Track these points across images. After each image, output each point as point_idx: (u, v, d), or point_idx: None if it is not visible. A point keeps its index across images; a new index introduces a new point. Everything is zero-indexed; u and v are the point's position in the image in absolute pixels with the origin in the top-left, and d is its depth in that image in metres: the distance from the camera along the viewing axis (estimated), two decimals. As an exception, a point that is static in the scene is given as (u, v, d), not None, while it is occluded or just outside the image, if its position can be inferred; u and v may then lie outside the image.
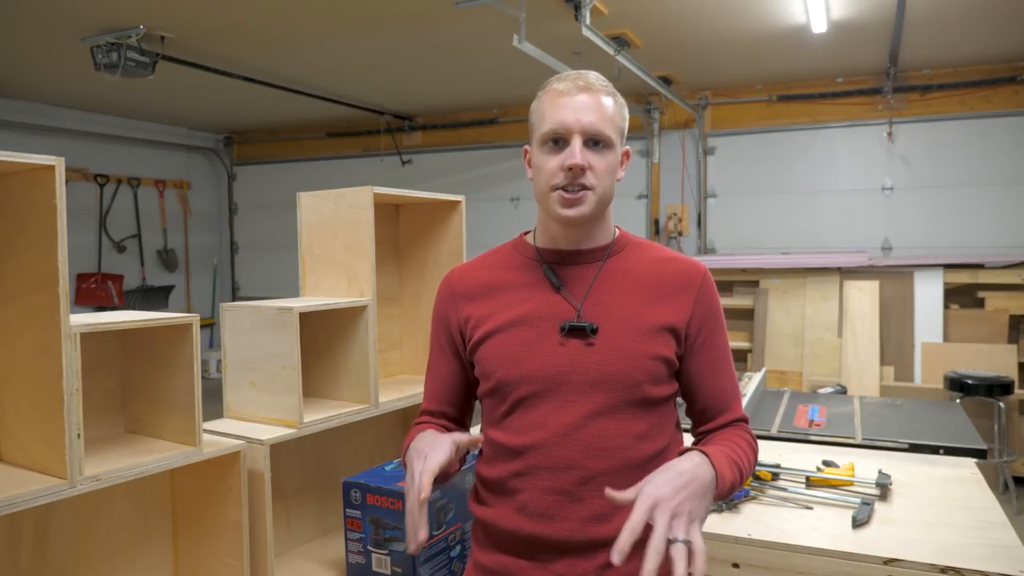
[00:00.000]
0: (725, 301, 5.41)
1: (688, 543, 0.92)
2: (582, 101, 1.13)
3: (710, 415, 1.23)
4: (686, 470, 1.00)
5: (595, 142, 1.13)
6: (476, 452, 1.31)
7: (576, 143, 1.11)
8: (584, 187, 1.13)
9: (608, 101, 1.15)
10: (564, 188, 1.13)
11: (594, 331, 1.14)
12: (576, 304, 1.16)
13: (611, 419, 1.12)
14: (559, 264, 1.21)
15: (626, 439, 1.12)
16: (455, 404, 1.31)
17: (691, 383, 1.21)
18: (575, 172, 1.11)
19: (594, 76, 1.17)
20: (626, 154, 1.22)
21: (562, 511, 1.12)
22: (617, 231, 1.26)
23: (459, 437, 1.13)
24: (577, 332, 1.14)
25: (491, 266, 1.27)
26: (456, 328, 1.25)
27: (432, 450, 1.09)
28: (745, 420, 1.25)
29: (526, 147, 1.22)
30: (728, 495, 1.10)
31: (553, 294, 1.18)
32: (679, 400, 1.27)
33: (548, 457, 1.12)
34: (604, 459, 1.12)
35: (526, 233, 1.30)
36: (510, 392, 1.16)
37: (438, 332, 1.29)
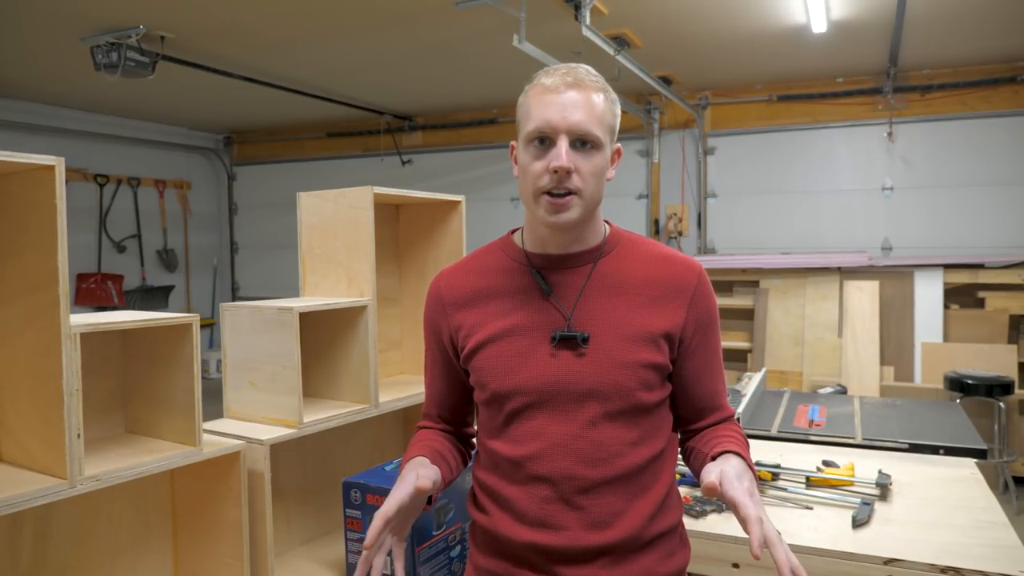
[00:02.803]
0: (725, 301, 5.41)
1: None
2: (570, 99, 1.07)
3: (702, 415, 1.22)
4: (750, 478, 1.04)
5: (582, 143, 1.08)
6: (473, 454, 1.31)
7: (562, 144, 1.07)
8: (570, 191, 1.08)
9: (598, 98, 1.10)
10: (550, 192, 1.09)
11: (585, 340, 1.11)
12: (566, 312, 1.14)
13: (606, 428, 1.11)
14: (549, 269, 1.17)
15: (622, 446, 1.11)
16: (453, 407, 1.31)
17: (684, 385, 1.19)
18: (561, 175, 1.07)
19: (584, 71, 1.12)
20: (617, 152, 1.17)
21: (561, 520, 1.11)
22: (608, 228, 1.22)
23: (422, 480, 1.10)
24: (568, 342, 1.12)
25: (479, 270, 1.23)
26: (447, 336, 1.23)
27: (396, 487, 1.12)
28: (732, 416, 1.25)
29: (512, 143, 1.17)
30: None
31: (543, 301, 1.15)
32: None
33: (546, 468, 1.11)
34: (602, 468, 1.11)
35: (513, 231, 1.26)
36: (505, 403, 1.14)
37: (430, 339, 1.28)
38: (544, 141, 1.09)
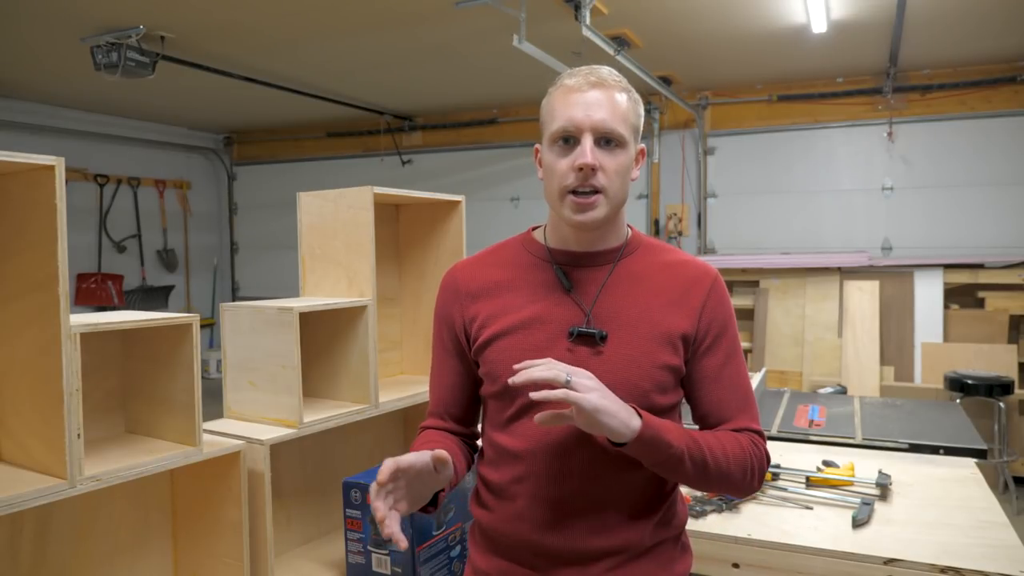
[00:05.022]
0: (725, 301, 5.41)
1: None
2: (594, 97, 1.08)
3: (710, 423, 1.17)
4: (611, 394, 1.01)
5: (607, 141, 1.09)
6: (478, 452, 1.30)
7: (587, 142, 1.07)
8: (595, 189, 1.08)
9: (622, 97, 1.11)
10: (575, 191, 1.09)
11: (603, 339, 1.10)
12: (586, 308, 1.13)
13: None
14: (570, 265, 1.17)
15: None
16: (460, 404, 1.26)
17: (692, 388, 1.17)
18: (586, 172, 1.07)
19: (607, 71, 1.12)
20: (642, 152, 1.17)
21: (561, 520, 1.10)
22: (630, 231, 1.22)
23: (439, 452, 1.04)
24: (586, 338, 1.11)
25: (498, 263, 1.22)
26: (460, 327, 1.21)
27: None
28: (755, 432, 1.16)
29: (537, 146, 1.18)
30: (670, 460, 1.03)
31: (563, 296, 1.15)
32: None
33: (549, 464, 1.10)
34: (607, 468, 1.09)
35: (534, 229, 1.25)
36: (517, 396, 1.13)
37: (441, 330, 1.25)
38: (569, 140, 1.09)
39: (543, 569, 1.12)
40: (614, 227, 1.17)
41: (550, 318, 1.14)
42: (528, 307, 1.15)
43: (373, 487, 0.98)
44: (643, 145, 1.18)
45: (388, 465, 0.98)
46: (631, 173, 1.14)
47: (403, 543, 0.94)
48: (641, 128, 1.16)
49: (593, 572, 1.10)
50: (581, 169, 1.07)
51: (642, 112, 1.16)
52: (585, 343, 1.11)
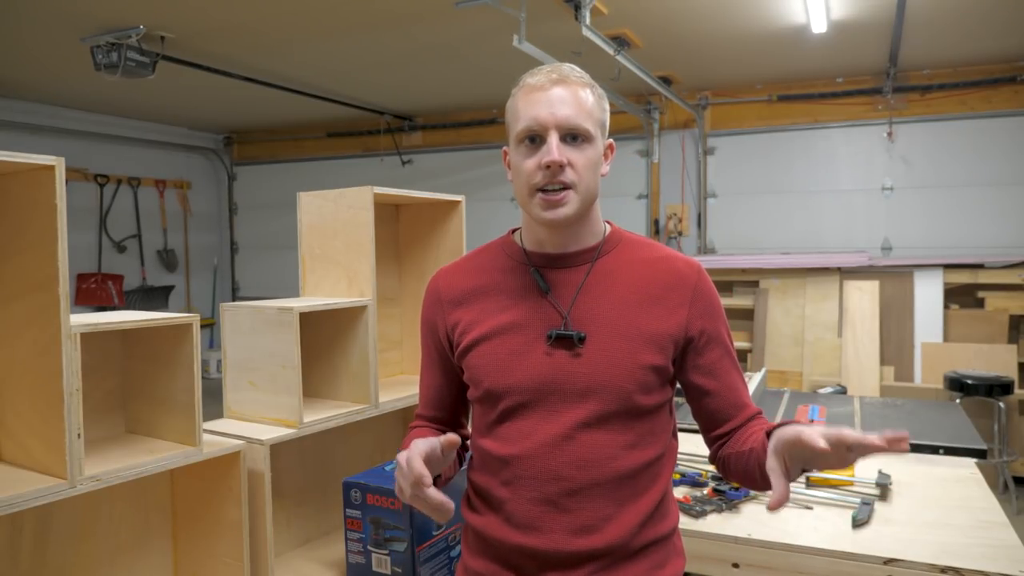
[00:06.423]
0: (725, 301, 5.40)
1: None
2: (557, 95, 1.07)
3: (724, 417, 1.16)
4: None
5: (573, 137, 1.08)
6: (468, 456, 1.30)
7: (553, 139, 1.06)
8: (565, 185, 1.08)
9: (586, 93, 1.10)
10: (544, 189, 1.08)
11: (581, 340, 1.10)
12: (563, 311, 1.12)
13: (599, 430, 1.09)
14: (547, 267, 1.16)
15: (614, 449, 1.09)
16: (447, 408, 1.29)
17: (698, 388, 1.16)
18: (553, 169, 1.07)
19: (568, 68, 1.12)
20: (610, 147, 1.17)
21: (548, 522, 1.09)
22: (608, 228, 1.21)
23: (443, 439, 1.07)
24: (564, 341, 1.10)
25: (478, 268, 1.22)
26: (444, 334, 1.22)
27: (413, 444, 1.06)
28: (761, 413, 1.19)
29: (504, 148, 1.17)
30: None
31: (541, 299, 1.14)
32: (679, 402, 1.24)
33: (534, 468, 1.10)
34: (591, 470, 1.09)
35: (514, 231, 1.25)
36: (498, 401, 1.13)
37: (426, 337, 1.26)
38: (535, 139, 1.09)
39: (530, 572, 1.11)
40: (588, 225, 1.16)
41: (528, 322, 1.13)
42: (507, 312, 1.15)
43: (413, 489, 1.01)
44: (611, 140, 1.17)
45: (416, 463, 1.01)
46: (601, 168, 1.14)
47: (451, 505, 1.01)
48: (608, 123, 1.15)
49: (581, 574, 1.09)
50: (548, 167, 1.07)
51: (607, 107, 1.15)
52: (563, 346, 1.11)
